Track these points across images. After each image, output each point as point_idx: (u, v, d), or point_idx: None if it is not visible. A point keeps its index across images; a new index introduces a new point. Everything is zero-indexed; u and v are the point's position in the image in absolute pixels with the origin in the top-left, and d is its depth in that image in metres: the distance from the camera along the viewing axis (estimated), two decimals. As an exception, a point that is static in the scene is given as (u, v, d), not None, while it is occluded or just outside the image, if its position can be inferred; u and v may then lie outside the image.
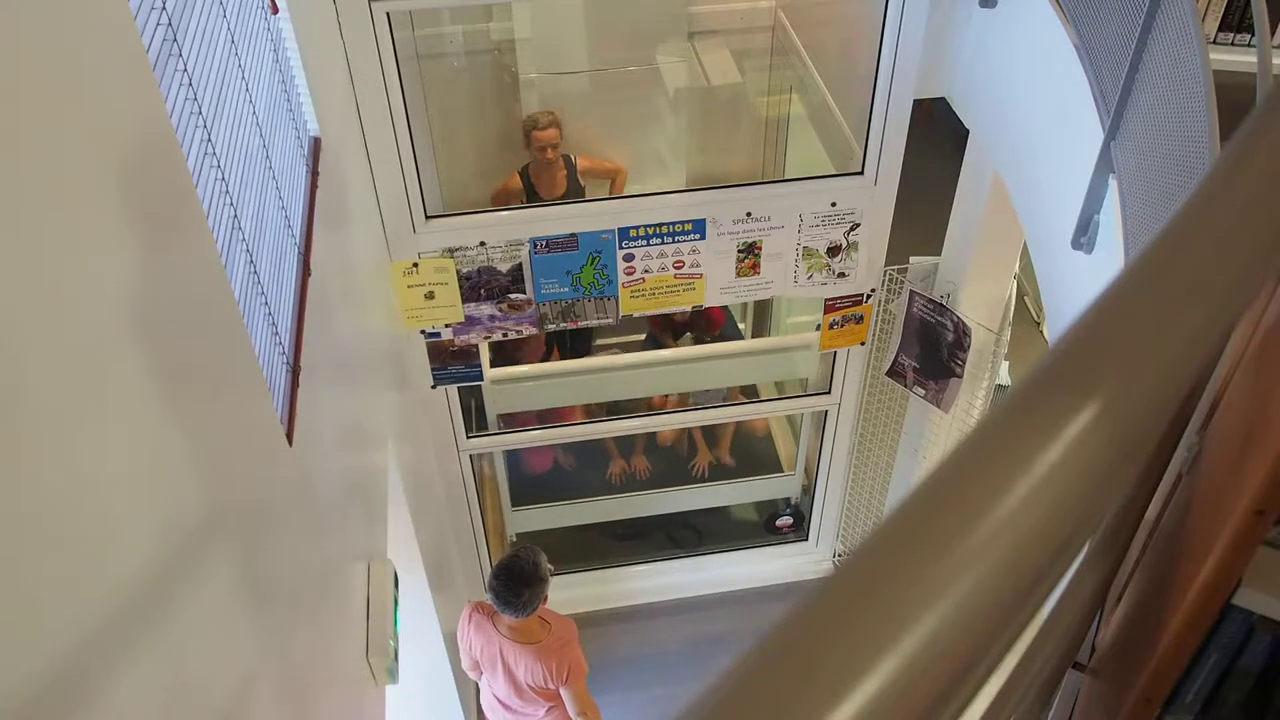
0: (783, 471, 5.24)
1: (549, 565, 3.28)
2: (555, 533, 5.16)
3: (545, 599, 3.29)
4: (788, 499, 5.26)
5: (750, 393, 5.31)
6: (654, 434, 5.18)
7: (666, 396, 5.06)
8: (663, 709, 4.40)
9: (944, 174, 3.82)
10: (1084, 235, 2.43)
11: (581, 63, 4.46)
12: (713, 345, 4.63)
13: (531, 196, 4.43)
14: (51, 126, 1.15)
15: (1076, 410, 0.47)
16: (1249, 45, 3.01)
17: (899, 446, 4.56)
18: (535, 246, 3.55)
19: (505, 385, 4.40)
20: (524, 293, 3.67)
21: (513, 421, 4.80)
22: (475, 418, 4.46)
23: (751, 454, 5.34)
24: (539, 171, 4.40)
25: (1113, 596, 1.21)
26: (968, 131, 3.48)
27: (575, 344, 5.13)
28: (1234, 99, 1.91)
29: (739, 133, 4.86)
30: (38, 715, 1.00)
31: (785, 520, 5.07)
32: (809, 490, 4.90)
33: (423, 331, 3.74)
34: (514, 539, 5.14)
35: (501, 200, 4.51)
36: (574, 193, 4.47)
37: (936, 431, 4.20)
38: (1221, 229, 0.60)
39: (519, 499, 5.01)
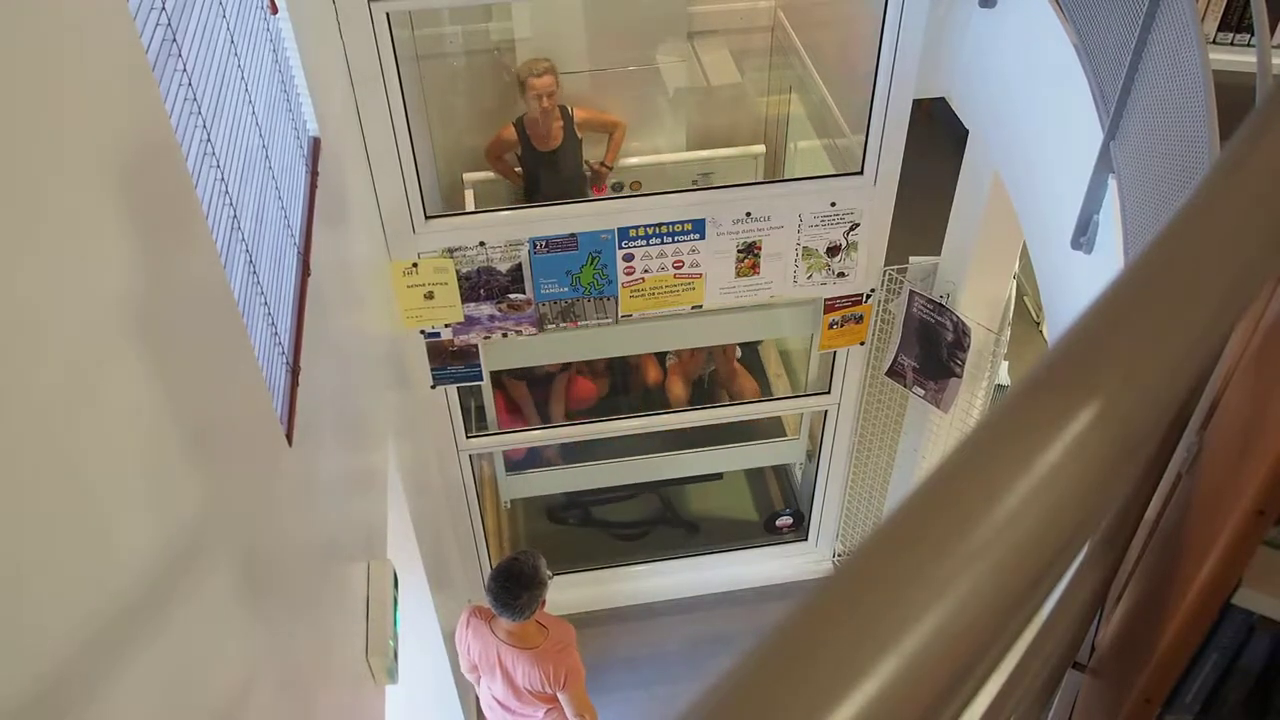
0: (786, 436, 5.10)
1: (548, 570, 3.28)
2: (555, 533, 5.16)
3: (543, 603, 3.29)
4: (792, 464, 5.18)
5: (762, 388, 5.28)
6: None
7: (664, 372, 4.98)
8: (663, 709, 4.40)
9: (944, 174, 3.82)
10: (1083, 235, 2.43)
11: (581, 63, 4.45)
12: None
13: (527, 148, 4.29)
14: (51, 127, 1.15)
15: (1076, 410, 0.47)
16: (1249, 45, 3.01)
17: (899, 446, 4.56)
18: (535, 246, 3.55)
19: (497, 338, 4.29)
20: (523, 293, 3.67)
21: (515, 419, 4.80)
22: (475, 418, 4.45)
23: (754, 420, 5.13)
24: (535, 122, 4.24)
25: (1113, 596, 1.21)
26: (968, 131, 3.48)
27: None
28: (1234, 99, 1.91)
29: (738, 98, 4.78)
30: (38, 715, 1.00)
31: (785, 520, 5.07)
32: (813, 455, 4.79)
33: (422, 331, 3.74)
34: (508, 505, 5.10)
35: (496, 153, 4.37)
36: (571, 145, 4.32)
37: (936, 431, 4.20)
38: (1221, 229, 0.60)
39: (512, 465, 4.90)
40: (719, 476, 5.29)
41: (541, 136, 4.29)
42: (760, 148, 4.76)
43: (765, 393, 5.31)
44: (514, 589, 3.18)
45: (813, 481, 4.80)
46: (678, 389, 5.05)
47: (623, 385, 5.25)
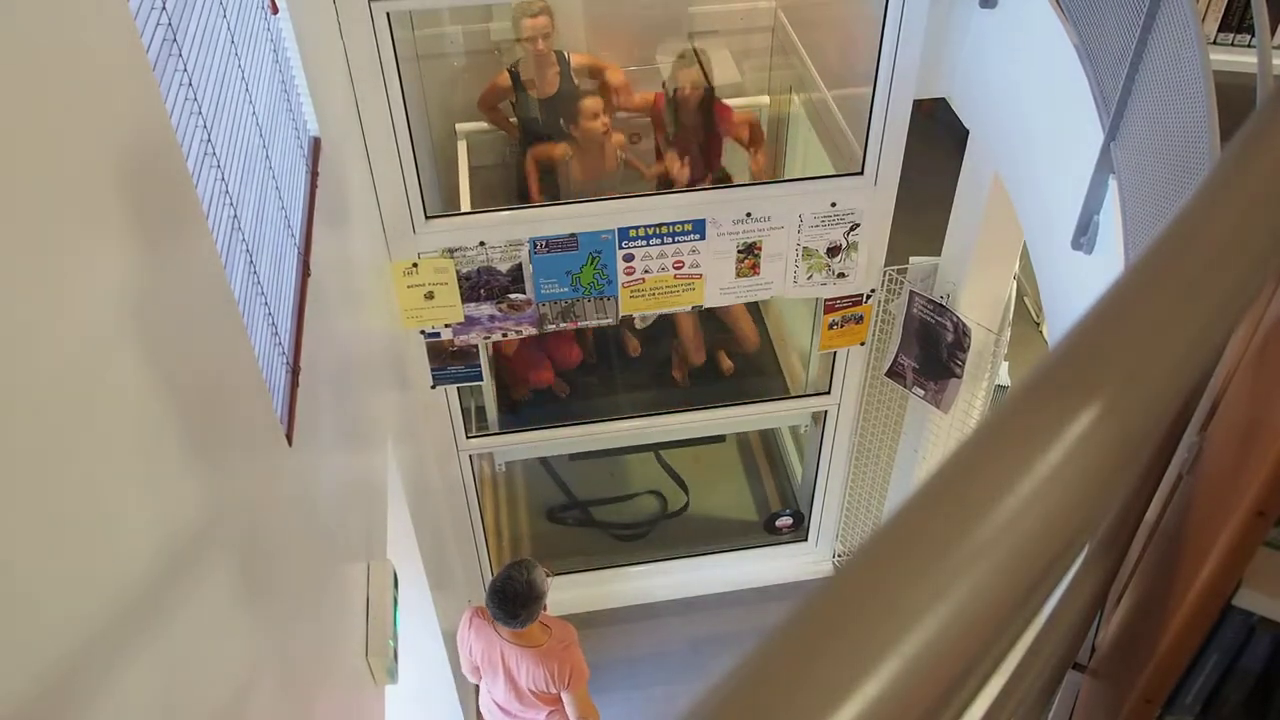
0: (790, 396, 4.88)
1: (546, 575, 3.26)
2: (555, 533, 5.16)
3: (545, 607, 3.28)
4: (797, 427, 5.07)
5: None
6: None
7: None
8: (663, 709, 4.40)
9: (944, 174, 3.82)
10: (1084, 235, 2.43)
11: (582, 62, 4.45)
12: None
13: (522, 96, 4.07)
14: (51, 126, 1.15)
15: (1078, 411, 0.47)
16: (1249, 45, 3.01)
17: (899, 446, 4.56)
18: (535, 246, 3.55)
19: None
20: (524, 293, 3.67)
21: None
22: (475, 418, 4.45)
23: (753, 377, 4.97)
24: (529, 68, 4.00)
25: (1113, 596, 1.21)
26: (968, 131, 3.48)
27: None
28: (1234, 99, 1.91)
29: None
30: (38, 715, 1.00)
31: (785, 520, 5.07)
32: (819, 421, 4.64)
33: (422, 332, 3.74)
34: (502, 468, 5.04)
35: (490, 102, 4.13)
36: (567, 93, 4.05)
37: (936, 432, 4.20)
38: (1222, 230, 0.60)
39: (507, 426, 4.69)
40: (721, 439, 5.16)
41: (537, 82, 4.02)
42: (765, 99, 4.65)
43: (757, 340, 5.05)
44: (511, 608, 3.17)
45: (812, 481, 4.80)
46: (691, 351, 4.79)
47: (606, 352, 5.06)
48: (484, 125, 4.32)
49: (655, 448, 5.16)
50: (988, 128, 3.33)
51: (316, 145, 2.63)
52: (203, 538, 1.49)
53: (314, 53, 2.63)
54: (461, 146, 4.27)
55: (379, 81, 3.07)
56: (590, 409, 4.79)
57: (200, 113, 1.67)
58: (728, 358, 4.98)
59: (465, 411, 4.22)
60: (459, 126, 4.36)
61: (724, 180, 4.22)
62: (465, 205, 4.04)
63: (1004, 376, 4.49)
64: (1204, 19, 3.05)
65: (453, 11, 4.38)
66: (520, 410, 4.79)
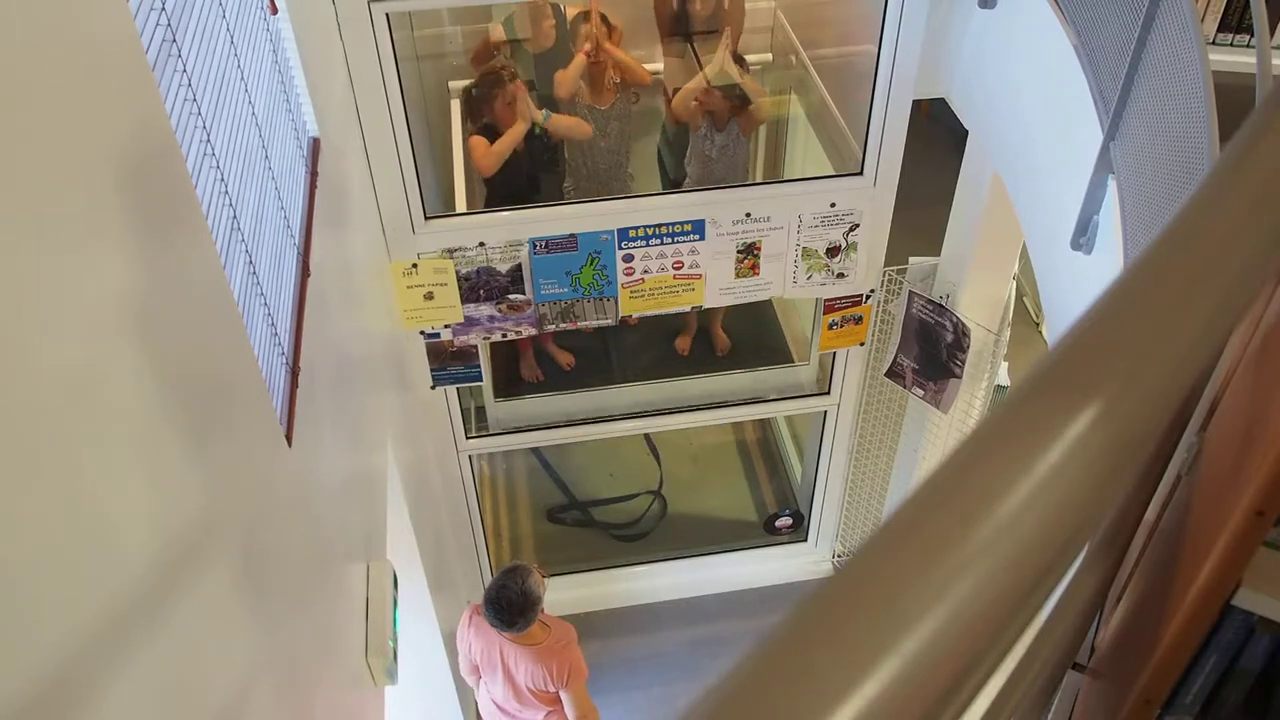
0: (793, 362, 4.75)
1: (542, 578, 3.26)
2: (555, 533, 5.16)
3: (542, 609, 3.28)
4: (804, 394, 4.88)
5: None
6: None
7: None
8: (663, 709, 4.40)
9: (944, 174, 3.82)
10: (1083, 236, 2.43)
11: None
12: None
13: (518, 49, 3.96)
14: (51, 127, 1.15)
15: (1077, 411, 0.47)
16: (1249, 45, 3.01)
17: (898, 447, 4.56)
18: (534, 247, 3.55)
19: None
20: (523, 293, 3.67)
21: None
22: (475, 419, 4.45)
23: (753, 340, 4.85)
24: (525, 20, 3.90)
25: (1113, 597, 1.21)
26: (967, 131, 3.48)
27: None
28: (1234, 99, 1.91)
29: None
30: (38, 715, 1.00)
31: (785, 521, 5.07)
32: (823, 384, 4.52)
33: (422, 332, 3.74)
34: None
35: (484, 58, 3.98)
36: (564, 47, 3.95)
37: (936, 432, 4.20)
38: (1221, 230, 0.60)
39: (501, 392, 4.60)
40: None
41: (533, 36, 3.91)
42: (767, 56, 4.58)
43: (772, 320, 4.99)
44: (507, 617, 3.17)
45: (812, 482, 4.80)
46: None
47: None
48: None
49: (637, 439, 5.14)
50: (987, 128, 3.33)
51: (316, 146, 2.63)
52: (201, 539, 1.49)
53: (313, 53, 2.63)
54: (455, 105, 4.12)
55: (378, 82, 3.07)
56: (595, 377, 4.65)
57: (200, 113, 1.67)
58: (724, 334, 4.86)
59: (465, 412, 4.22)
60: (452, 84, 4.22)
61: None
62: (459, 172, 3.97)
63: (1004, 376, 4.48)
64: (1204, 19, 3.04)
65: (452, 11, 4.38)
66: (523, 387, 4.64)
